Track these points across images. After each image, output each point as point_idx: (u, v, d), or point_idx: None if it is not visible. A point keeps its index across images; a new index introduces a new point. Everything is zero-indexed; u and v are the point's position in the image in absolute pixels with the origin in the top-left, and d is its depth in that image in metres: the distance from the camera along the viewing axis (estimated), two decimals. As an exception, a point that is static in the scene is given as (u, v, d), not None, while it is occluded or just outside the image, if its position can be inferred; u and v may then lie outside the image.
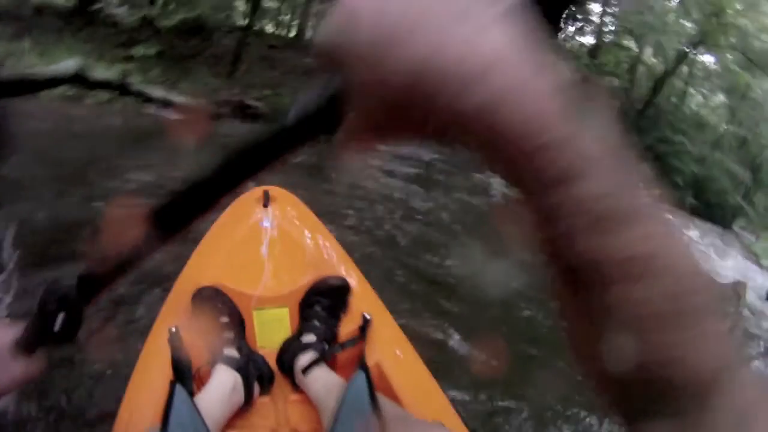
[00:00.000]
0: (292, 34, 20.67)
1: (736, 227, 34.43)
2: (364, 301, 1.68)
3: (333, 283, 1.58)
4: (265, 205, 1.96)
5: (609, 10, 23.33)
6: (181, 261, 1.82)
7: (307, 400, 1.39)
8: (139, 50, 10.87)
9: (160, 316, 1.55)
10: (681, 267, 0.33)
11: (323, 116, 0.38)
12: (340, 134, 0.38)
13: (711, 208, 28.01)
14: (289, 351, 1.47)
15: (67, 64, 7.55)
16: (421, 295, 3.87)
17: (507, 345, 3.24)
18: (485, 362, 3.03)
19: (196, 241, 1.91)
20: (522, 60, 0.30)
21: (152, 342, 1.44)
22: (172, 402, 1.09)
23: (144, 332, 1.56)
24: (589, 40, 24.78)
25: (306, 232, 1.94)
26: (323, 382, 1.35)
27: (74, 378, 2.14)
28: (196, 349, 1.38)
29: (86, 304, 0.61)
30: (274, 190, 2.07)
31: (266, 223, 1.84)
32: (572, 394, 2.91)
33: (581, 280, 0.33)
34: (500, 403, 2.78)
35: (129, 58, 10.60)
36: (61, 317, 0.60)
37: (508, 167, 0.33)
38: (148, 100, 8.61)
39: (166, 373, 1.24)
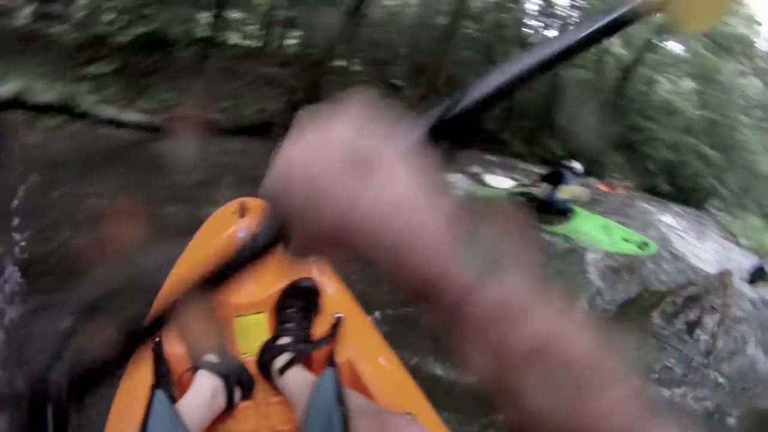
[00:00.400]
0: (257, 44, 20.45)
1: (710, 208, 35.31)
2: (338, 301, 1.74)
3: (304, 285, 1.64)
4: (242, 216, 2.07)
5: (575, 3, 23.40)
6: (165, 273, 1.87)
7: (287, 401, 1.43)
8: (94, 69, 10.59)
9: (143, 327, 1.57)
10: (575, 350, 0.36)
11: (275, 242, 0.49)
12: (288, 251, 0.47)
13: (685, 192, 28.64)
14: (266, 354, 1.51)
15: (4, 88, 7.17)
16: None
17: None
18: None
19: (177, 255, 1.97)
20: (419, 202, 0.38)
21: (134, 357, 1.44)
22: (151, 407, 1.14)
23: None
24: (553, 33, 24.80)
25: None
26: (298, 381, 1.39)
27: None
28: (178, 357, 1.43)
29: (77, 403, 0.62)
30: (250, 201, 2.17)
31: (242, 234, 1.93)
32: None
33: (489, 367, 0.38)
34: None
35: (84, 78, 10.32)
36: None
37: (415, 289, 0.39)
38: (99, 121, 8.27)
39: (149, 380, 1.28)
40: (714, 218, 24.87)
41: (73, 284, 2.97)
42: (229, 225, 2.06)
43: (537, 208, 7.06)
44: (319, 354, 1.53)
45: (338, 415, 1.03)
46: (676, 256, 8.23)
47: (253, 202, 2.18)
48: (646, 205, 15.22)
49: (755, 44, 24.75)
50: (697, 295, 5.20)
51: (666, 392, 3.98)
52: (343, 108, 0.43)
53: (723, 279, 5.76)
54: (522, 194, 7.47)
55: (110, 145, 7.84)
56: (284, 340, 1.53)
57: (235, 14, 20.75)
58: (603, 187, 17.26)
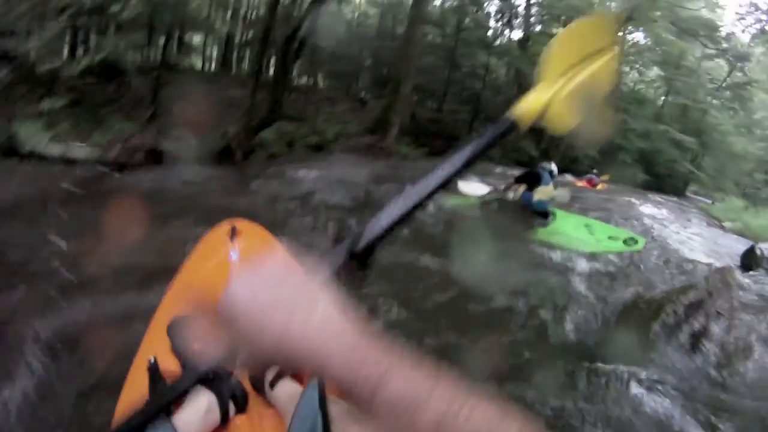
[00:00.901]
0: (216, 68, 19.92)
1: (689, 193, 35.56)
2: None
3: None
4: (232, 239, 2.08)
5: (534, 1, 23.11)
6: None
7: (279, 414, 1.46)
8: (47, 104, 9.88)
9: (141, 346, 1.66)
10: (474, 423, 0.43)
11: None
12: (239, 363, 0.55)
13: (662, 180, 28.74)
14: (258, 369, 1.52)
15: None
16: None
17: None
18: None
19: (171, 277, 2.00)
20: (336, 324, 0.50)
21: (134, 371, 1.53)
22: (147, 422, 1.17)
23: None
24: (517, 34, 24.59)
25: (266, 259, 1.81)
26: (287, 393, 1.41)
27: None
28: (173, 375, 1.44)
29: None
30: (240, 223, 2.20)
31: (233, 256, 1.97)
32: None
33: None
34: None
35: (38, 115, 9.61)
36: None
37: (339, 388, 0.48)
38: (43, 158, 7.54)
39: (142, 396, 1.28)
40: (695, 203, 24.71)
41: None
42: (222, 247, 2.09)
43: (513, 213, 6.45)
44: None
45: (320, 421, 1.03)
46: (666, 249, 7.64)
47: (244, 225, 2.23)
48: (626, 198, 14.76)
49: (720, 27, 24.45)
50: (700, 301, 4.61)
51: (679, 420, 3.36)
52: (276, 252, 0.62)
53: (725, 277, 5.16)
54: (496, 200, 6.85)
55: (67, 183, 7.21)
56: None
57: (194, 38, 20.59)
58: (582, 184, 16.95)
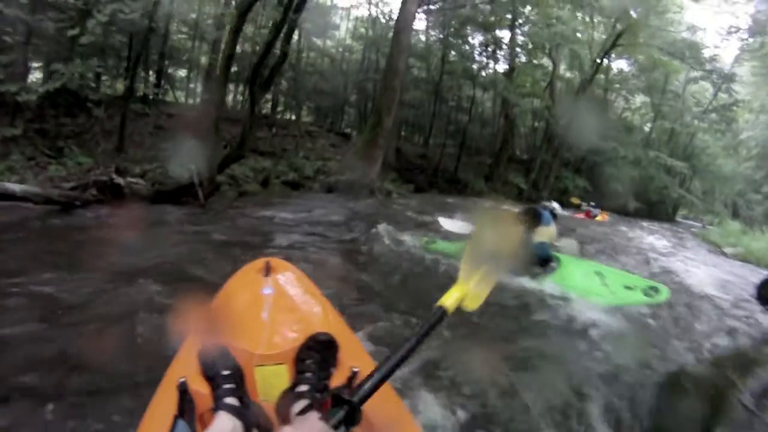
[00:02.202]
0: (184, 99, 19.04)
1: (678, 218, 34.76)
2: (354, 356, 1.77)
3: (321, 339, 1.68)
4: (266, 275, 2.12)
5: (519, 32, 22.40)
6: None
7: None
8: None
9: (170, 368, 1.66)
10: None
11: None
12: None
13: (653, 206, 28.03)
14: (285, 400, 1.51)
15: None
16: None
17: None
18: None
19: (205, 305, 2.00)
20: None
21: (163, 390, 1.55)
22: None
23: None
24: (502, 66, 23.83)
25: (302, 296, 2.08)
26: (312, 425, 1.26)
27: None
28: (201, 397, 1.47)
29: None
30: (274, 261, 2.25)
31: (267, 291, 1.98)
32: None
33: None
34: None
35: None
36: None
37: None
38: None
39: (171, 411, 1.36)
40: (687, 228, 23.78)
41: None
42: (254, 283, 2.10)
43: None
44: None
45: None
46: (682, 289, 6.51)
47: (277, 262, 2.26)
48: (623, 229, 13.81)
49: (703, 49, 23.83)
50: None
51: None
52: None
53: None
54: None
55: (19, 219, 6.18)
56: (302, 388, 1.54)
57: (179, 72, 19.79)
58: (581, 216, 16.29)
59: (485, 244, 1.44)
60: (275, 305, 1.93)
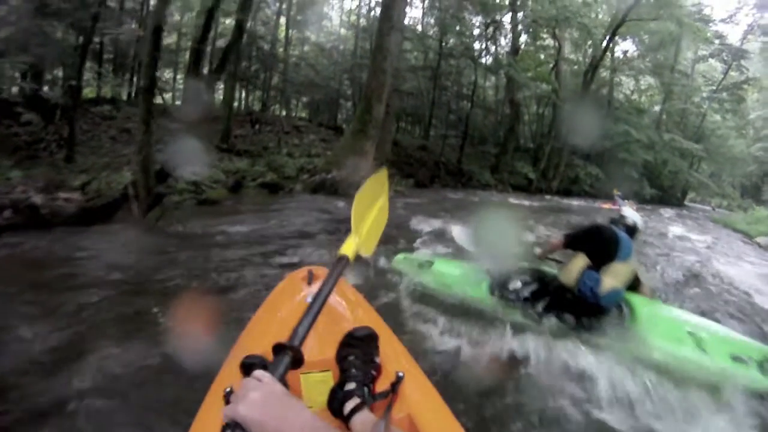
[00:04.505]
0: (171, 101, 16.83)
1: (687, 201, 32.61)
2: (400, 361, 1.67)
3: (358, 333, 1.57)
4: (310, 283, 2.06)
5: (521, 15, 20.05)
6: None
7: None
8: None
9: (215, 380, 1.56)
10: None
11: None
12: None
13: (666, 191, 26.05)
14: (335, 400, 1.37)
15: None
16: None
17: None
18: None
19: (250, 316, 1.95)
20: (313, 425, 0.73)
21: (209, 401, 1.50)
22: None
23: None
24: (504, 50, 21.51)
25: (345, 304, 1.99)
26: (363, 422, 1.27)
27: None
28: None
29: None
30: (318, 269, 2.17)
31: (311, 299, 1.44)
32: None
33: None
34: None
35: None
36: None
37: None
38: None
39: (219, 423, 1.04)
40: (707, 214, 21.69)
41: None
42: (298, 291, 2.02)
43: (558, 305, 3.08)
44: (381, 405, 1.44)
45: None
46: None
47: (321, 271, 2.16)
48: (654, 223, 11.54)
49: (713, 21, 21.43)
50: None
51: None
52: (264, 379, 0.81)
53: None
54: (526, 279, 3.43)
55: None
56: (350, 386, 1.41)
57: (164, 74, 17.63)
58: (607, 206, 14.58)
59: (366, 198, 1.65)
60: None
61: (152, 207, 6.63)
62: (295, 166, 11.39)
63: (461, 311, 3.26)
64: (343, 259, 1.35)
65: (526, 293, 3.29)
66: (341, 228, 6.54)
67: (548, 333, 2.90)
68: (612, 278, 2.85)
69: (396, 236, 5.80)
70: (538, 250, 3.53)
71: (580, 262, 2.95)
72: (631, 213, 3.20)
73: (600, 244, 2.97)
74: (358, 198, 1.57)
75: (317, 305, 1.14)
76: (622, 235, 2.98)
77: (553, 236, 3.33)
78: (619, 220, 3.17)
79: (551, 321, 2.99)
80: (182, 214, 7.24)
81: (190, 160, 8.41)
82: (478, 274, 3.58)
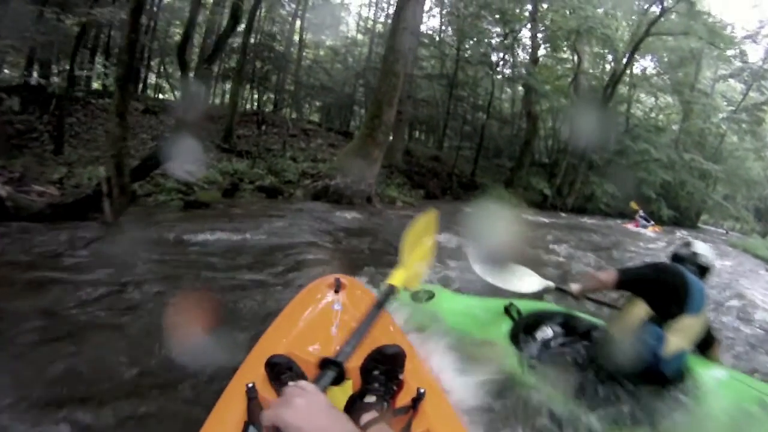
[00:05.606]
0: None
1: (700, 224, 31.56)
2: (422, 377, 1.62)
3: (389, 351, 1.56)
4: (336, 291, 2.02)
5: (539, 27, 19.16)
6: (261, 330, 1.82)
7: None
8: None
9: (236, 375, 1.56)
10: None
11: None
12: None
13: (681, 212, 24.77)
14: (353, 410, 1.41)
15: None
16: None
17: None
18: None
19: (274, 315, 1.93)
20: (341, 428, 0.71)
21: (228, 395, 1.49)
22: None
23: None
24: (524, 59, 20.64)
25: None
26: None
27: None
28: (269, 404, 1.23)
29: None
30: (345, 278, 2.11)
31: (337, 306, 1.89)
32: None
33: None
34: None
35: None
36: None
37: None
38: None
39: (240, 417, 1.31)
40: (717, 237, 20.68)
41: None
42: (325, 297, 1.99)
43: (605, 369, 2.08)
44: (400, 420, 1.44)
45: None
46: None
47: (347, 279, 2.11)
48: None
49: (734, 39, 20.41)
50: None
51: None
52: (308, 388, 0.77)
53: None
54: (559, 332, 2.51)
55: None
56: (370, 399, 1.43)
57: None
58: (631, 226, 14.42)
59: (416, 235, 1.80)
60: (344, 321, 1.81)
61: (126, 206, 5.75)
62: (298, 170, 10.51)
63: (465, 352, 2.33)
64: (392, 289, 1.49)
65: (556, 345, 2.38)
66: (339, 247, 5.64)
67: (592, 407, 1.97)
68: (680, 336, 1.94)
69: (394, 252, 4.87)
70: (574, 286, 2.56)
71: (639, 311, 2.02)
72: (703, 248, 2.24)
73: (667, 289, 2.02)
74: (407, 234, 1.75)
75: (365, 327, 1.22)
76: (693, 278, 2.03)
77: (601, 270, 2.37)
78: (689, 257, 2.20)
79: (599, 391, 2.05)
80: (163, 216, 6.37)
81: (183, 158, 7.57)
82: (496, 312, 2.66)
